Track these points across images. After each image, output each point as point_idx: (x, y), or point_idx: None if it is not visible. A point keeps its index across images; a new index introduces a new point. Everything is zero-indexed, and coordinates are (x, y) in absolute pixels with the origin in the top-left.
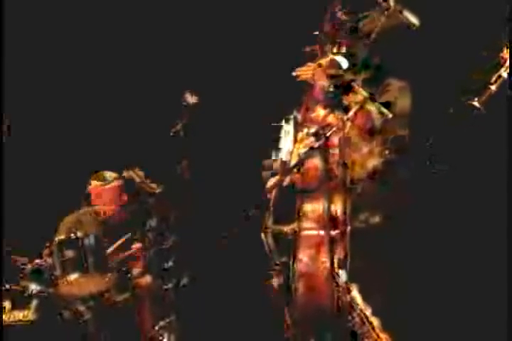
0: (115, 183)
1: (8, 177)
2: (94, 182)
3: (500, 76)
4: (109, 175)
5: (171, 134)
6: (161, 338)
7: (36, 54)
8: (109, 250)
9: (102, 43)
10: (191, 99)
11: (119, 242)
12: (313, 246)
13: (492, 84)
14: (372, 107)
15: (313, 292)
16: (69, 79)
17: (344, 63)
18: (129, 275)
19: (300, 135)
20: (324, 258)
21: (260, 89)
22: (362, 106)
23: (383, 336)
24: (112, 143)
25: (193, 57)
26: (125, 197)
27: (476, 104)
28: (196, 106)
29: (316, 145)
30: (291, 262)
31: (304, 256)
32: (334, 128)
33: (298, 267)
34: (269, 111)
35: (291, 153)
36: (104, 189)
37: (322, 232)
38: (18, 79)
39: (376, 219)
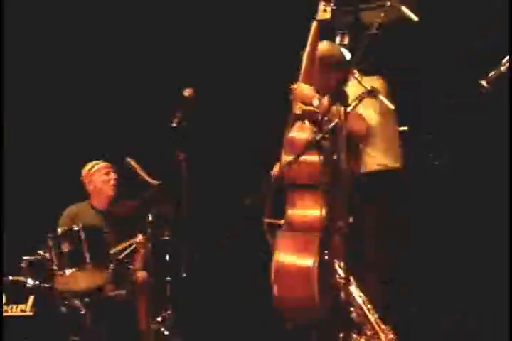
0: (99, 166)
1: (8, 177)
2: (83, 171)
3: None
4: (89, 162)
5: (171, 127)
6: (158, 331)
7: (35, 53)
8: (115, 250)
9: (101, 41)
10: (192, 93)
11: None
12: (300, 242)
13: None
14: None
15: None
16: (67, 77)
17: (346, 54)
18: (130, 267)
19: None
20: (312, 254)
21: (259, 84)
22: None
23: (383, 328)
24: (111, 140)
25: (192, 52)
26: (113, 176)
27: (483, 83)
28: (196, 101)
29: (318, 138)
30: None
31: (286, 251)
32: (336, 121)
33: (279, 261)
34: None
35: None
36: (89, 174)
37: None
38: (18, 79)
39: (373, 212)
